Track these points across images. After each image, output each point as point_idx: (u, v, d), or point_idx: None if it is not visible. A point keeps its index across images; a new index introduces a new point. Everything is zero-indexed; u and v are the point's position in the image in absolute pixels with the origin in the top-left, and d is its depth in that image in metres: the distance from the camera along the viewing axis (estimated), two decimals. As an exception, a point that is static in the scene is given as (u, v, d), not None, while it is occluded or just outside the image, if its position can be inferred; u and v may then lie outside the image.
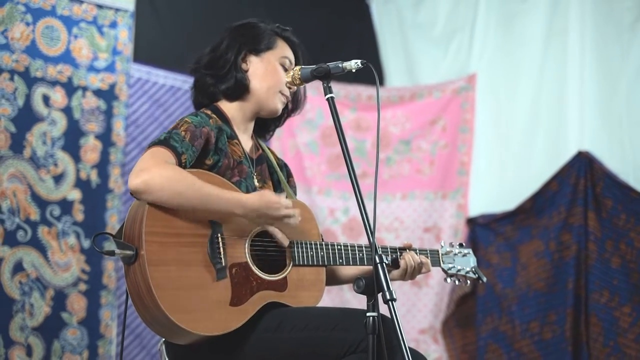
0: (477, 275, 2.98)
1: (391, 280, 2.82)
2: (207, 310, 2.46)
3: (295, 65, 2.87)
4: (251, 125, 2.87)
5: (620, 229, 4.92)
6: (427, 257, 2.88)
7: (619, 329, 4.83)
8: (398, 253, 2.83)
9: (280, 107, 2.83)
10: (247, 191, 2.67)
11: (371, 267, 2.39)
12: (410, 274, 2.81)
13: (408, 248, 2.86)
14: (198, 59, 2.85)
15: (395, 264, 2.79)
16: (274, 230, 2.60)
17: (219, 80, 2.80)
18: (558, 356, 5.03)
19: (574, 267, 5.03)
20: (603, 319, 4.90)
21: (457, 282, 2.99)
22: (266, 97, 2.80)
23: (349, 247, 2.72)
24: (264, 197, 2.55)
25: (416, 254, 2.85)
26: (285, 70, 2.83)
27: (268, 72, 2.81)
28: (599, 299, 4.93)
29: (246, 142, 2.82)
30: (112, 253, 2.46)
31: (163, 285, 2.41)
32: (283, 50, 2.86)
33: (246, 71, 2.81)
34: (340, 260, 2.71)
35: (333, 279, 2.91)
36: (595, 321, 4.93)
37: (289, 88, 2.81)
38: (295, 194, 2.93)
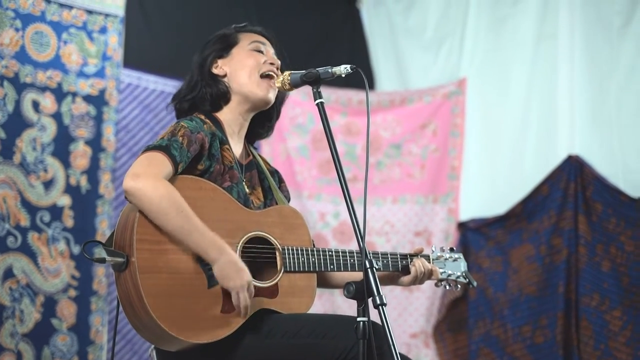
0: (467, 280, 3.00)
1: (400, 285, 2.86)
2: (198, 318, 2.45)
3: (272, 47, 2.88)
4: (245, 126, 2.85)
5: (610, 232, 4.92)
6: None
7: (610, 333, 4.83)
8: (409, 259, 2.85)
9: (267, 93, 2.78)
10: (239, 196, 2.66)
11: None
12: (420, 279, 2.85)
13: (419, 253, 2.88)
14: (174, 95, 2.86)
15: (405, 271, 2.82)
16: (232, 294, 2.50)
17: (199, 99, 2.80)
18: (549, 360, 5.04)
19: (565, 271, 5.04)
20: (593, 322, 4.90)
21: (447, 286, 3.00)
22: (249, 88, 2.78)
23: (340, 253, 2.72)
24: (241, 263, 2.48)
25: (428, 260, 2.90)
26: (261, 52, 2.82)
27: (242, 62, 2.80)
28: (589, 302, 4.93)
29: (236, 147, 2.81)
30: (102, 260, 2.45)
31: (154, 293, 2.40)
32: (249, 38, 2.86)
33: (223, 76, 2.81)
34: (332, 267, 2.70)
35: (324, 282, 2.91)
36: (585, 325, 4.93)
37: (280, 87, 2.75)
38: (289, 200, 2.92)
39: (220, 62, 2.83)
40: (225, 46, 2.84)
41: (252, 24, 2.95)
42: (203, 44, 2.88)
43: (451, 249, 3.03)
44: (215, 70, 2.82)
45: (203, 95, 2.79)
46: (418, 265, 2.83)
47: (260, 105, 2.82)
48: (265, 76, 2.79)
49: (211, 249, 2.47)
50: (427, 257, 2.94)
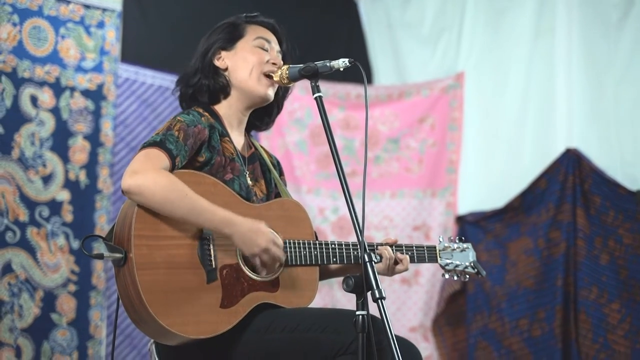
0: (476, 270, 2.98)
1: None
2: (197, 313, 2.45)
3: (278, 43, 2.86)
4: (244, 121, 2.85)
5: (608, 225, 4.93)
6: (424, 253, 2.90)
7: (608, 326, 4.84)
8: (375, 247, 2.81)
9: (266, 90, 2.77)
10: (241, 189, 2.66)
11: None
12: (390, 268, 2.79)
13: (388, 243, 2.85)
14: (179, 78, 2.84)
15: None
16: (255, 262, 2.55)
17: (198, 90, 2.79)
18: (547, 353, 5.05)
19: (563, 264, 5.04)
20: (592, 315, 4.91)
21: (455, 277, 2.98)
22: (250, 85, 2.76)
23: (343, 246, 2.72)
24: (256, 224, 2.52)
25: (402, 250, 2.85)
26: (265, 50, 2.80)
27: (244, 59, 2.78)
28: (588, 295, 4.94)
29: (238, 139, 2.81)
30: (100, 256, 2.46)
31: (152, 289, 2.40)
32: (256, 32, 2.84)
33: (225, 69, 2.80)
34: (334, 259, 2.70)
35: (324, 273, 2.90)
36: (584, 318, 4.94)
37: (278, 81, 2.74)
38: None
39: (223, 54, 2.81)
40: (231, 38, 2.81)
41: (231, 17, 2.92)
42: (210, 30, 2.86)
43: (459, 239, 3.01)
44: (217, 62, 2.80)
45: (202, 86, 2.78)
46: (384, 253, 2.79)
47: (259, 103, 2.81)
48: (266, 75, 2.78)
49: (224, 225, 2.48)
50: (433, 249, 2.94)
